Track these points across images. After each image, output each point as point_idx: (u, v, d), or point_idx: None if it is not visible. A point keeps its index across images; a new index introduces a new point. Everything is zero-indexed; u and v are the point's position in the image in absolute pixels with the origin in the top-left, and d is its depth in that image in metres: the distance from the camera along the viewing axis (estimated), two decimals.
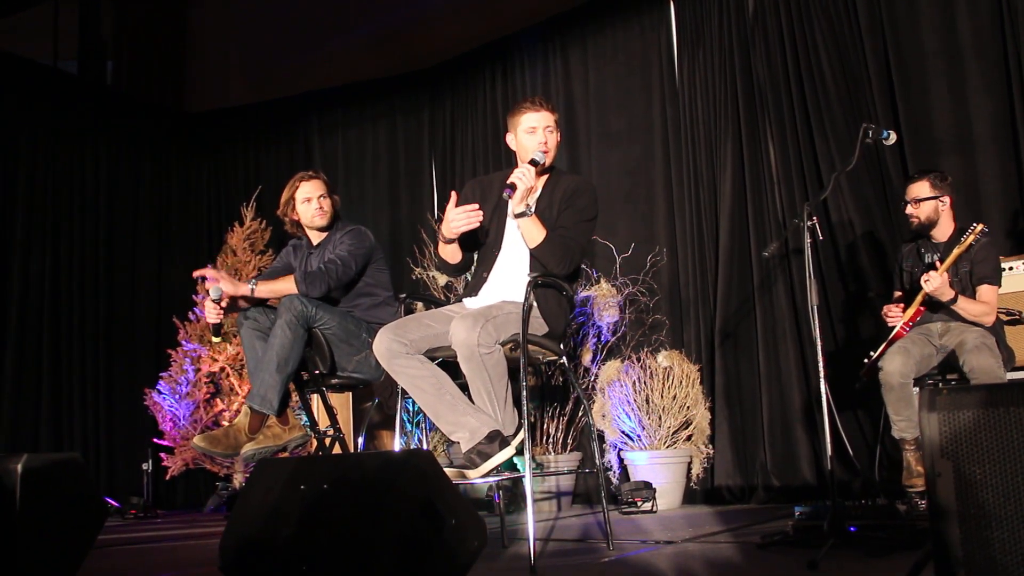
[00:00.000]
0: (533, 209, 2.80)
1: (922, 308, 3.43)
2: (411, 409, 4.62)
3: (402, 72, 6.97)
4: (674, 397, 4.66)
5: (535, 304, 2.77)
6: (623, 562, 2.61)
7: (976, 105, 4.32)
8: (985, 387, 1.46)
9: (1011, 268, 3.71)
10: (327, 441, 3.57)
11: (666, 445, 4.65)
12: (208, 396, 6.27)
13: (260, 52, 7.50)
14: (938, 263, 3.36)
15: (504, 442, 2.58)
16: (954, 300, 3.28)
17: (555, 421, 5.09)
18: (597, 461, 3.07)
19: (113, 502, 5.76)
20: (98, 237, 6.87)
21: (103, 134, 7.05)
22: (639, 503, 4.33)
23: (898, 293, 3.70)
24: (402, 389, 2.75)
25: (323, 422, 4.02)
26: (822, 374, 2.73)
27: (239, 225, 6.71)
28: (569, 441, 5.14)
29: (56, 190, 6.65)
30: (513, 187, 2.69)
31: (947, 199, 3.49)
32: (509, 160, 2.98)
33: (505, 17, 6.31)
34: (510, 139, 2.99)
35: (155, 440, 6.30)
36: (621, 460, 4.86)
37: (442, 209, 2.88)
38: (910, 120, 4.48)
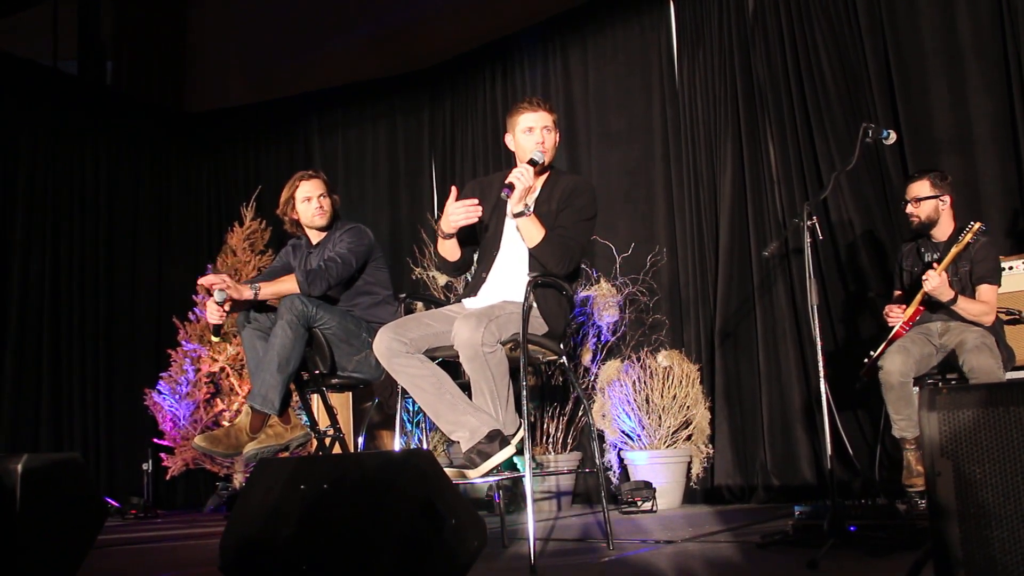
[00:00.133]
0: (532, 209, 2.80)
1: (921, 308, 3.43)
2: (411, 409, 4.62)
3: (402, 72, 6.97)
4: (674, 397, 4.66)
5: (535, 304, 2.77)
6: (623, 562, 2.61)
7: (976, 105, 4.32)
8: (985, 386, 1.46)
9: (1011, 268, 3.71)
10: (327, 441, 3.57)
11: (666, 445, 4.65)
12: (208, 396, 6.27)
13: (260, 52, 7.49)
14: (935, 264, 3.36)
15: (504, 441, 2.58)
16: (954, 300, 3.28)
17: (555, 421, 5.09)
18: (597, 461, 3.07)
19: (113, 502, 5.76)
20: (98, 237, 6.87)
21: (103, 134, 7.05)
22: (639, 503, 4.33)
23: (898, 293, 3.70)
24: (402, 388, 2.75)
25: (323, 422, 4.02)
26: (822, 374, 2.73)
27: (239, 225, 6.71)
28: (569, 441, 5.14)
29: (56, 190, 6.66)
30: (511, 187, 2.69)
31: (947, 198, 3.49)
32: (509, 160, 2.98)
33: (505, 17, 6.31)
34: (509, 140, 2.99)
35: (155, 440, 6.31)
36: (621, 460, 4.86)
37: (442, 209, 2.87)
38: (910, 120, 4.49)
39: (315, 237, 3.50)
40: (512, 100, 6.04)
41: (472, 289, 2.98)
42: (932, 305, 3.41)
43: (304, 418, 3.65)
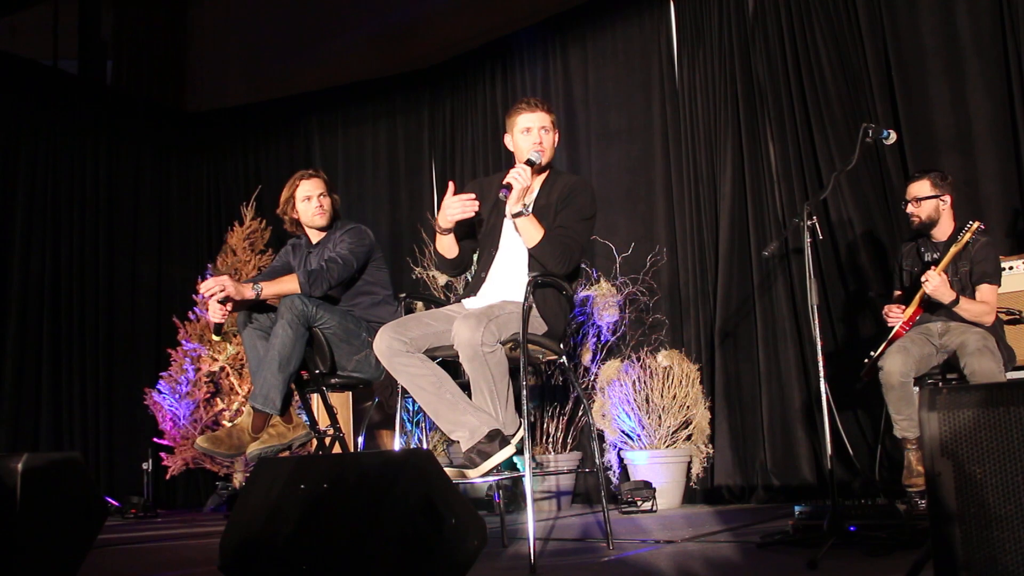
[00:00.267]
0: (530, 209, 2.80)
1: (921, 308, 3.43)
2: (411, 408, 4.62)
3: (402, 71, 6.96)
4: (674, 397, 4.66)
5: (535, 304, 2.77)
6: (623, 562, 2.61)
7: (976, 105, 4.32)
8: (985, 387, 1.45)
9: (1011, 268, 3.71)
10: (327, 441, 3.57)
11: (666, 445, 4.65)
12: (208, 396, 6.27)
13: (260, 52, 7.50)
14: (933, 267, 3.35)
15: (504, 441, 2.58)
16: (955, 301, 3.28)
17: (555, 420, 5.09)
18: (597, 461, 3.07)
19: (113, 501, 5.76)
20: (98, 236, 6.87)
21: (103, 134, 7.04)
22: (639, 502, 4.33)
23: (898, 293, 3.70)
24: (402, 388, 2.75)
25: (323, 421, 4.02)
26: (822, 374, 2.73)
27: (239, 225, 6.71)
28: (569, 440, 5.14)
29: (56, 189, 6.66)
30: (509, 187, 2.69)
31: (948, 198, 3.49)
32: (509, 159, 2.98)
33: (505, 16, 6.31)
34: (508, 140, 3.00)
35: (155, 440, 6.31)
36: (621, 460, 4.86)
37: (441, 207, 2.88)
38: (910, 120, 4.49)
39: (315, 236, 3.50)
40: (512, 99, 6.03)
41: (472, 289, 2.98)
42: (931, 306, 3.41)
43: (304, 417, 3.65)
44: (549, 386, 5.26)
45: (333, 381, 3.32)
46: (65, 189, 6.71)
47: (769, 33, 5.03)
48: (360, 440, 4.91)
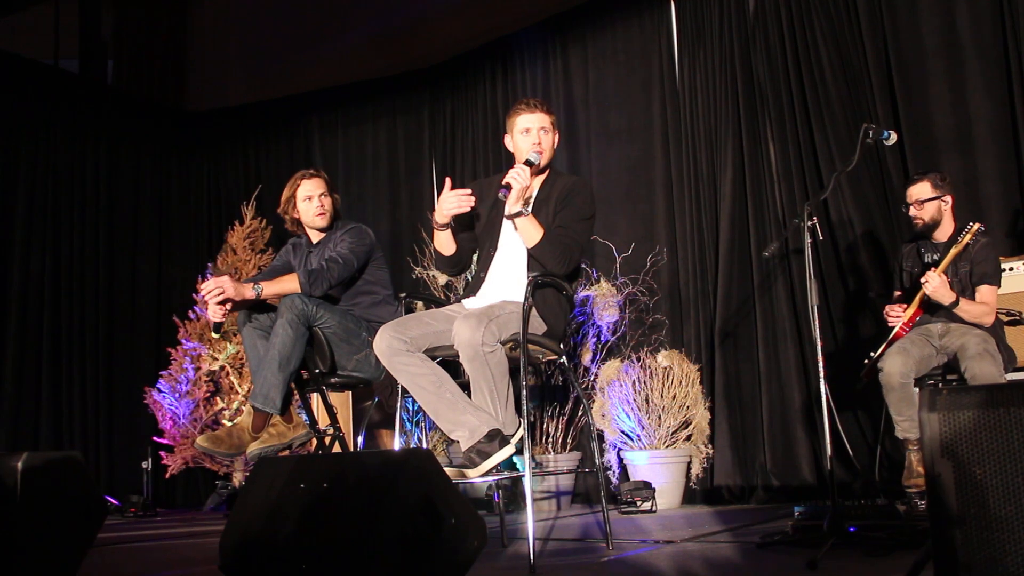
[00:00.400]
0: (530, 209, 2.80)
1: (921, 309, 3.43)
2: (411, 408, 4.62)
3: (402, 71, 6.97)
4: (674, 397, 4.66)
5: (535, 304, 2.77)
6: (622, 562, 2.61)
7: (976, 105, 4.32)
8: (985, 387, 1.45)
9: (1011, 268, 3.71)
10: (327, 440, 3.57)
11: (666, 445, 4.65)
12: (208, 395, 6.27)
13: (260, 51, 7.50)
14: (933, 268, 3.35)
15: (504, 441, 2.58)
16: (956, 303, 3.28)
17: (555, 420, 5.09)
18: (597, 461, 3.07)
19: (113, 500, 5.76)
20: (98, 235, 6.87)
21: (104, 133, 7.04)
22: (638, 503, 4.33)
23: (898, 293, 3.70)
24: (402, 388, 2.76)
25: (323, 421, 4.02)
26: (822, 374, 2.73)
27: (239, 224, 6.71)
28: (569, 440, 5.14)
29: (57, 188, 6.66)
30: (508, 187, 2.70)
31: (949, 198, 3.49)
32: (509, 160, 2.99)
33: (505, 16, 6.31)
34: (507, 141, 3.00)
35: (155, 439, 6.31)
36: (621, 460, 4.86)
37: None
38: (910, 120, 4.49)
39: (316, 236, 3.50)
40: (512, 99, 6.03)
41: (472, 289, 2.99)
42: (931, 307, 3.41)
43: (304, 417, 3.65)
44: (549, 386, 5.26)
45: (333, 380, 3.32)
46: (65, 189, 6.71)
47: (769, 33, 5.03)
48: (360, 440, 4.91)
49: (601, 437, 4.83)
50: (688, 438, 4.72)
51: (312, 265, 3.34)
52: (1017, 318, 3.59)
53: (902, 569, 1.76)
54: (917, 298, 3.41)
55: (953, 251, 3.33)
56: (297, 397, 3.48)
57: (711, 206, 5.18)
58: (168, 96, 7.67)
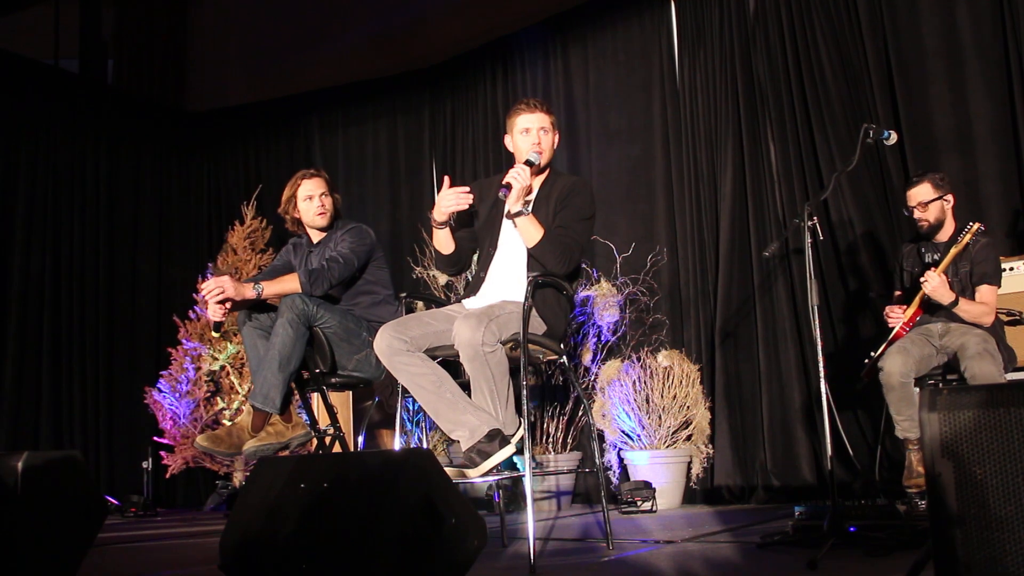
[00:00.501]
0: (530, 209, 2.80)
1: (921, 309, 3.43)
2: (411, 408, 4.62)
3: (402, 71, 6.97)
4: (674, 397, 4.66)
5: (534, 304, 2.77)
6: (623, 562, 2.61)
7: (976, 105, 4.32)
8: (985, 387, 1.45)
9: (1011, 268, 3.71)
10: (327, 440, 3.57)
11: (666, 445, 4.65)
12: (208, 395, 6.27)
13: (260, 51, 7.50)
14: (933, 268, 3.36)
15: (504, 441, 2.58)
16: (955, 303, 3.27)
17: (555, 420, 5.09)
18: (597, 461, 3.07)
19: (113, 500, 5.76)
20: (98, 235, 6.87)
21: (104, 133, 7.05)
22: (639, 503, 4.33)
23: (898, 293, 3.70)
24: (402, 387, 2.76)
25: (323, 421, 4.02)
26: (822, 374, 2.73)
27: (239, 224, 6.71)
28: (569, 440, 5.14)
29: (57, 188, 6.66)
30: (509, 187, 2.70)
31: (950, 197, 3.49)
32: (509, 160, 2.99)
33: (505, 16, 6.31)
34: (508, 141, 3.01)
35: (155, 438, 6.31)
36: (621, 460, 4.86)
37: None
38: (910, 120, 4.49)
39: (316, 236, 3.51)
40: (512, 99, 6.04)
41: (472, 289, 2.99)
42: (931, 307, 3.41)
43: (304, 417, 3.65)
44: (549, 386, 5.26)
45: (333, 380, 3.32)
46: (65, 189, 6.71)
47: (770, 33, 5.03)
48: (360, 439, 4.91)
49: (601, 437, 4.83)
50: (688, 438, 4.72)
51: (313, 265, 3.34)
52: (1017, 318, 3.59)
53: (902, 569, 1.76)
54: (917, 298, 3.41)
55: (953, 251, 3.33)
56: (297, 397, 3.48)
57: (711, 206, 5.18)
58: (168, 96, 7.67)
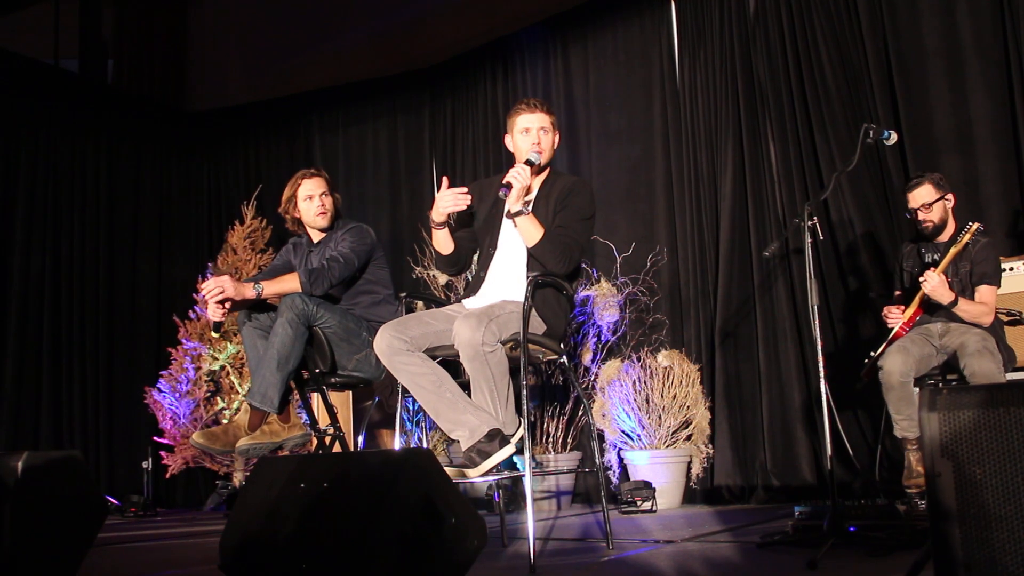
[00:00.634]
0: (530, 209, 2.80)
1: (920, 309, 3.43)
2: (411, 408, 4.62)
3: (403, 71, 6.97)
4: (674, 397, 4.66)
5: (534, 303, 2.77)
6: (623, 561, 2.61)
7: (976, 105, 4.32)
8: (985, 387, 1.46)
9: (1011, 268, 3.71)
10: (327, 440, 3.57)
11: (666, 445, 4.65)
12: (208, 394, 6.28)
13: (260, 51, 7.50)
14: (933, 268, 3.35)
15: (504, 440, 2.58)
16: (954, 303, 3.27)
17: (555, 420, 5.09)
18: (597, 460, 3.07)
19: (113, 500, 5.76)
20: (99, 235, 6.87)
21: (104, 132, 7.05)
22: (639, 502, 4.33)
23: (898, 293, 3.70)
24: (402, 387, 2.76)
25: (323, 420, 4.02)
26: (822, 374, 2.73)
27: (239, 224, 6.71)
28: (569, 440, 5.14)
29: (57, 188, 6.66)
30: (509, 186, 2.70)
31: (951, 197, 3.49)
32: (509, 160, 2.99)
33: (506, 16, 6.31)
34: (508, 141, 3.01)
35: (155, 438, 6.31)
36: (621, 459, 4.86)
37: None
38: (910, 120, 4.49)
39: (316, 236, 3.50)
40: (512, 100, 6.04)
41: (472, 289, 2.99)
42: (931, 307, 3.41)
43: (304, 417, 3.65)
44: (549, 386, 5.26)
45: (333, 380, 3.32)
46: (65, 188, 6.71)
47: (770, 33, 5.03)
48: (360, 439, 4.92)
49: (601, 437, 4.83)
50: (688, 438, 4.72)
51: (313, 264, 3.34)
52: (1017, 318, 3.59)
53: (902, 569, 1.76)
54: (917, 298, 3.40)
55: (953, 251, 3.33)
56: (297, 397, 3.48)
57: (711, 206, 5.18)
58: (168, 96, 7.67)
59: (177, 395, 6.25)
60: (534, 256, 2.81)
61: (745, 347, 4.94)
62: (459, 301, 3.06)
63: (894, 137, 3.10)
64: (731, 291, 5.01)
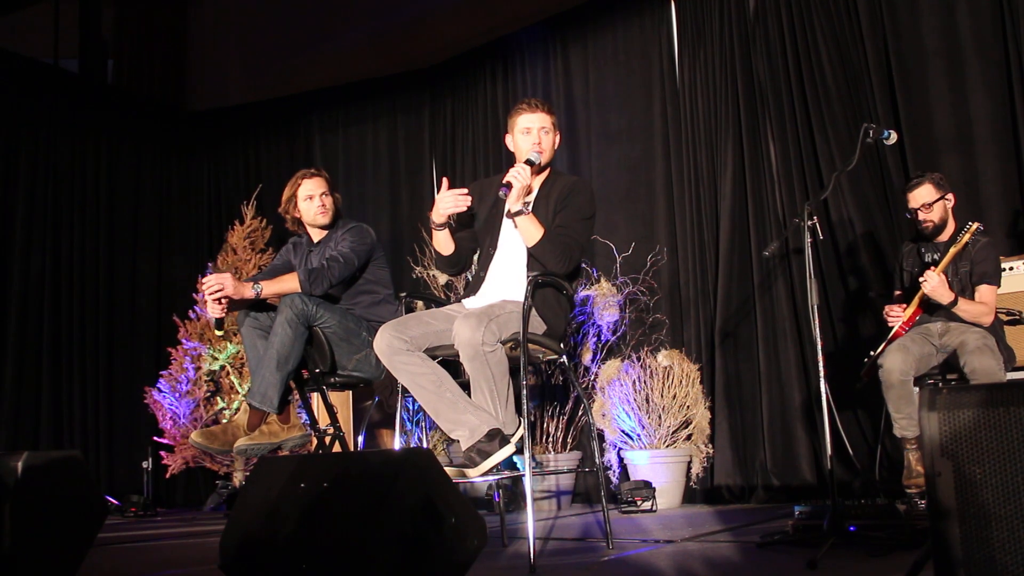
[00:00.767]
0: (530, 208, 2.81)
1: (920, 309, 3.43)
2: (411, 408, 4.62)
3: (403, 71, 6.97)
4: (674, 396, 4.66)
5: (534, 303, 2.77)
6: (623, 561, 2.61)
7: (976, 105, 4.32)
8: (985, 387, 1.46)
9: (1011, 268, 3.71)
10: (327, 440, 3.57)
11: (666, 444, 4.66)
12: (208, 394, 6.28)
13: (260, 50, 7.50)
14: (933, 267, 3.35)
15: (504, 440, 2.58)
16: (954, 302, 3.27)
17: (555, 420, 5.09)
18: (597, 460, 3.07)
19: (113, 500, 5.76)
20: (98, 235, 6.87)
21: (104, 132, 7.05)
22: (639, 502, 4.33)
23: (898, 293, 3.70)
24: (402, 387, 2.76)
25: (323, 420, 4.02)
26: (822, 374, 2.73)
27: (239, 223, 6.71)
28: (569, 440, 5.14)
29: (57, 188, 6.66)
30: (509, 185, 2.70)
31: (951, 197, 3.49)
32: (510, 159, 2.99)
33: (506, 16, 6.31)
34: (508, 140, 3.01)
35: (155, 438, 6.31)
36: (621, 459, 4.86)
37: None
38: (910, 120, 4.49)
39: (316, 235, 3.51)
40: (513, 99, 6.04)
41: (472, 288, 2.99)
42: (931, 306, 3.41)
43: (304, 417, 3.65)
44: (549, 386, 5.26)
45: (333, 380, 3.32)
46: (66, 187, 6.71)
47: (770, 33, 5.03)
48: (360, 439, 4.92)
49: (601, 437, 4.83)
50: (688, 438, 4.72)
51: (313, 264, 3.34)
52: (1017, 318, 3.59)
53: (902, 568, 1.76)
54: (916, 298, 3.40)
55: (952, 250, 3.33)
56: (298, 397, 3.48)
57: (711, 206, 5.18)
58: (168, 96, 7.67)
59: (177, 395, 6.25)
60: (534, 256, 2.81)
61: (745, 347, 4.94)
62: (459, 301, 3.06)
63: (894, 137, 3.10)
64: (731, 291, 5.01)
